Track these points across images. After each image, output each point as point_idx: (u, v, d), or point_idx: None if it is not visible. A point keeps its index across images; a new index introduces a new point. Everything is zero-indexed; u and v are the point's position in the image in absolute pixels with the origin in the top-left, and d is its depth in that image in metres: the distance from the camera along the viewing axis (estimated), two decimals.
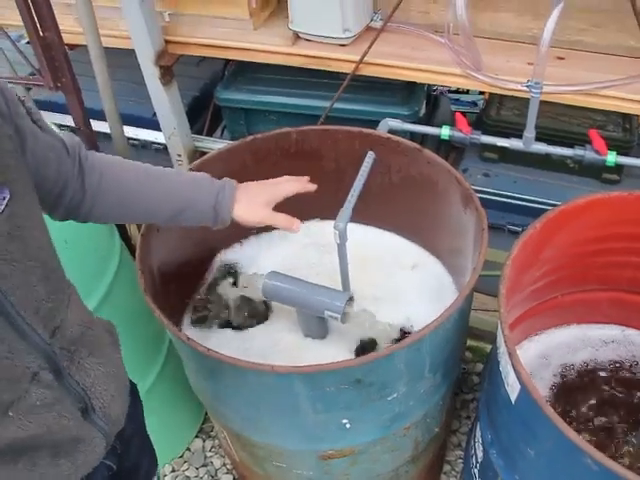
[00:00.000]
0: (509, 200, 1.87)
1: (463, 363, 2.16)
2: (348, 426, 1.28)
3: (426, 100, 2.09)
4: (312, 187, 1.29)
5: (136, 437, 1.20)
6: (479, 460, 1.46)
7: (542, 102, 1.62)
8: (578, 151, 1.53)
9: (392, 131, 1.63)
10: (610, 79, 1.55)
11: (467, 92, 2.62)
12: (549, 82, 1.54)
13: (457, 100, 2.63)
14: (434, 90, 2.51)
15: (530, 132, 1.53)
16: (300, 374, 1.13)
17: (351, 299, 1.35)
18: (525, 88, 1.45)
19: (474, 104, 2.61)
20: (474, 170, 1.97)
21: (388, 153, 1.49)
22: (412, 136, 1.84)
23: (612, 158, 1.50)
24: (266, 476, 1.57)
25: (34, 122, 0.92)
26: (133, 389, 1.18)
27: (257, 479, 1.66)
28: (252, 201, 1.18)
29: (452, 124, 1.72)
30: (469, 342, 2.14)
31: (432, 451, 1.64)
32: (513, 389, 1.14)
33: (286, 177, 1.27)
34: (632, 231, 1.41)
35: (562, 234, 1.35)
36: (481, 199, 1.86)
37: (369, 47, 1.65)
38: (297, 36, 1.75)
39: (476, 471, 1.50)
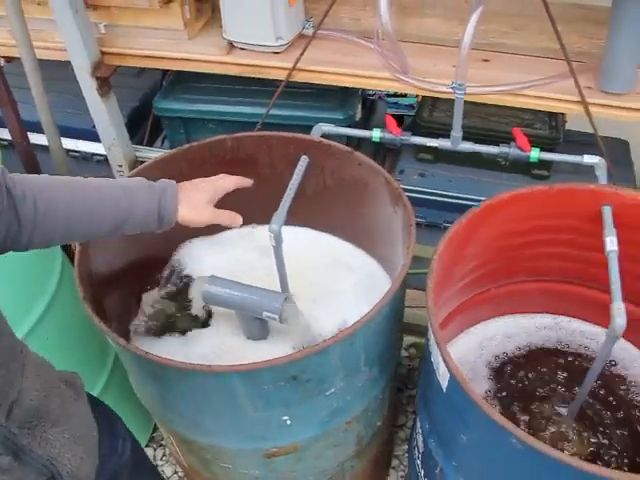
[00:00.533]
0: (444, 199, 1.93)
1: (408, 360, 2.22)
2: (289, 423, 1.31)
3: (362, 104, 2.14)
4: (248, 182, 1.30)
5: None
6: (420, 450, 1.50)
7: (473, 103, 1.68)
8: (503, 149, 1.60)
9: (326, 135, 1.67)
10: (531, 79, 1.62)
11: (405, 95, 2.68)
12: (474, 83, 1.61)
13: (395, 103, 2.69)
14: (372, 94, 2.57)
15: (457, 132, 1.58)
16: (237, 372, 1.16)
17: (288, 299, 1.38)
18: (450, 90, 1.51)
19: (412, 107, 2.67)
20: (410, 171, 2.02)
21: (321, 156, 1.53)
22: (349, 140, 1.89)
23: (535, 154, 1.57)
24: (214, 479, 1.59)
25: None
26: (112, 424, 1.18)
27: None
28: (194, 201, 1.17)
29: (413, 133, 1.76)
30: (413, 339, 2.20)
31: (377, 446, 1.68)
32: (443, 378, 1.18)
33: (222, 175, 1.29)
34: (555, 223, 1.48)
35: (488, 228, 1.40)
36: (418, 199, 1.96)
37: (301, 54, 1.69)
38: (232, 45, 1.78)
39: (419, 462, 1.55)
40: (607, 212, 1.42)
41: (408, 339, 2.22)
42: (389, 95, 2.69)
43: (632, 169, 2.15)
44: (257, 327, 1.48)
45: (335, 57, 1.76)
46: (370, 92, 2.52)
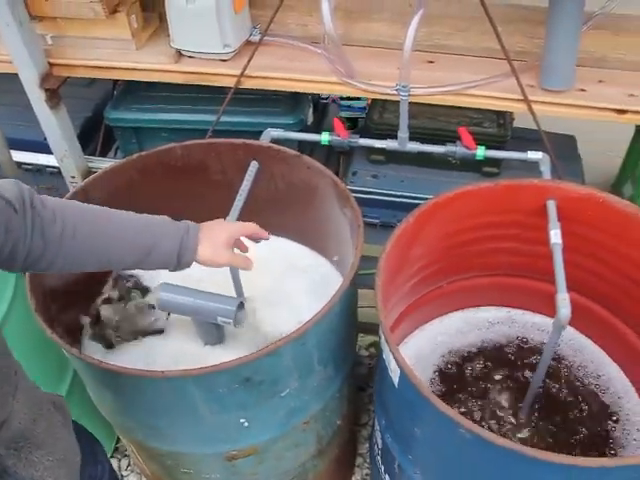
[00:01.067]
0: (397, 199, 1.96)
1: (368, 359, 2.24)
2: (246, 425, 1.32)
3: (314, 108, 2.17)
4: (264, 234, 1.29)
5: None
6: (379, 447, 1.53)
7: (422, 104, 1.72)
8: (450, 148, 1.63)
9: (276, 140, 1.69)
10: (475, 79, 1.66)
11: (358, 99, 2.72)
12: (419, 85, 1.65)
13: (349, 107, 2.72)
14: (325, 98, 2.60)
15: (404, 132, 1.62)
16: (190, 377, 1.17)
17: (242, 304, 1.39)
18: (395, 92, 1.54)
19: (365, 110, 2.70)
20: (363, 172, 2.05)
21: (271, 161, 1.55)
22: (302, 144, 1.91)
23: (481, 152, 1.61)
24: None
25: None
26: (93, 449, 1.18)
27: None
28: (214, 244, 1.17)
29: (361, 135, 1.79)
30: (372, 338, 2.22)
31: (338, 445, 1.70)
32: (395, 374, 1.21)
33: (240, 222, 1.31)
34: (502, 219, 1.51)
35: (435, 226, 1.44)
36: (371, 199, 1.99)
37: (248, 61, 1.71)
38: (180, 54, 1.79)
39: (379, 458, 1.57)
40: (551, 206, 1.46)
41: (368, 338, 2.25)
42: (342, 98, 2.72)
43: (580, 163, 2.21)
44: (213, 332, 1.49)
45: (283, 63, 1.78)
46: (323, 96, 2.55)
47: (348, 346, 1.47)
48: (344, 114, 2.68)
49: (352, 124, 2.68)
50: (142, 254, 1.10)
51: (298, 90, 1.77)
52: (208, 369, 1.15)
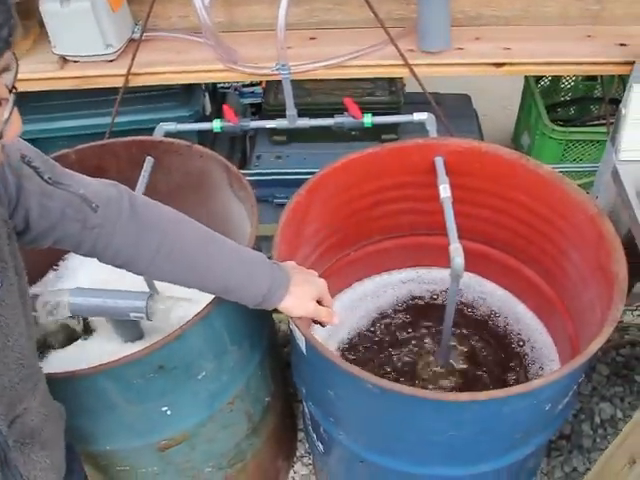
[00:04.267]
0: (300, 176, 1.98)
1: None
2: (169, 413, 1.35)
3: (213, 98, 2.19)
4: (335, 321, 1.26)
5: None
6: (307, 415, 1.58)
7: (317, 81, 1.76)
8: (338, 119, 1.68)
9: (171, 134, 1.71)
10: (356, 50, 1.71)
11: (260, 84, 2.75)
12: (302, 61, 1.68)
13: (252, 93, 2.75)
14: (228, 87, 2.62)
15: (291, 110, 1.66)
16: (101, 373, 1.19)
17: (151, 297, 1.41)
18: (276, 72, 1.58)
19: None
20: (267, 155, 2.10)
21: (165, 155, 1.57)
22: (200, 136, 1.94)
23: (368, 119, 1.66)
24: None
25: (45, 180, 0.90)
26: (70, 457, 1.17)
27: None
28: (302, 297, 1.17)
29: (241, 117, 1.82)
30: None
31: (273, 421, 1.74)
32: (301, 341, 1.25)
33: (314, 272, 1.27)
34: (393, 182, 1.57)
35: (328, 196, 1.48)
36: (276, 180, 2.03)
37: (132, 58, 1.72)
38: (64, 59, 1.79)
39: (310, 427, 1.62)
40: (439, 162, 1.52)
41: None
42: (244, 85, 2.74)
43: (475, 120, 2.29)
44: (130, 329, 1.51)
45: (169, 56, 1.80)
46: (223, 85, 2.57)
47: (261, 322, 1.51)
48: (247, 100, 2.71)
49: (257, 109, 2.70)
50: (230, 288, 1.13)
51: (187, 82, 1.80)
52: (119, 362, 1.17)
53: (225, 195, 1.53)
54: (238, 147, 2.30)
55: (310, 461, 2.01)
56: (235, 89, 2.69)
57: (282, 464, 1.95)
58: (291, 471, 2.01)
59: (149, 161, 1.56)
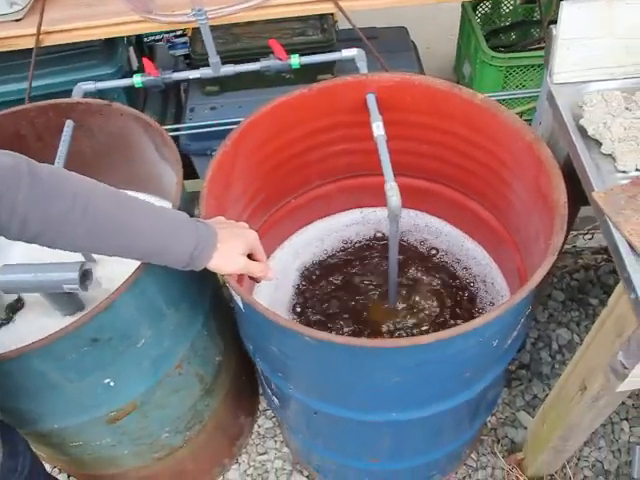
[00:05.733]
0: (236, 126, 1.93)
1: None
2: (113, 384, 1.31)
3: (141, 52, 2.09)
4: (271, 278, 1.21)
5: None
6: (260, 371, 1.55)
7: (243, 24, 1.68)
8: (264, 63, 1.61)
9: (92, 94, 1.63)
10: None
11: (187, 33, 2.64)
12: (220, 5, 1.60)
13: (185, 43, 2.64)
14: (159, 39, 2.51)
15: (214, 57, 1.58)
16: (32, 351, 1.14)
17: (84, 266, 1.36)
18: (193, 18, 1.49)
19: None
20: (201, 107, 2.02)
21: (85, 116, 1.49)
22: (129, 95, 1.85)
23: (295, 60, 1.59)
24: (74, 460, 1.58)
25: None
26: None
27: (74, 466, 1.67)
28: (230, 253, 1.11)
29: (174, 70, 1.72)
30: None
31: (228, 379, 1.71)
32: (238, 299, 1.21)
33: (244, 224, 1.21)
34: (327, 123, 1.51)
35: (256, 144, 1.42)
36: (212, 132, 1.96)
37: (41, 15, 1.62)
38: None
39: (265, 384, 1.59)
40: (371, 99, 1.46)
41: None
42: (177, 36, 2.63)
43: (413, 52, 2.23)
44: (66, 302, 1.45)
45: (81, 11, 1.70)
46: (154, 37, 2.46)
47: (201, 281, 1.46)
48: (180, 52, 2.60)
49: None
50: (153, 251, 1.05)
51: (103, 37, 1.70)
52: (48, 339, 1.12)
53: (151, 153, 1.46)
54: (172, 102, 2.21)
55: (273, 414, 2.00)
56: (168, 40, 2.58)
57: (245, 420, 1.93)
58: (255, 425, 1.99)
59: (69, 125, 1.48)
